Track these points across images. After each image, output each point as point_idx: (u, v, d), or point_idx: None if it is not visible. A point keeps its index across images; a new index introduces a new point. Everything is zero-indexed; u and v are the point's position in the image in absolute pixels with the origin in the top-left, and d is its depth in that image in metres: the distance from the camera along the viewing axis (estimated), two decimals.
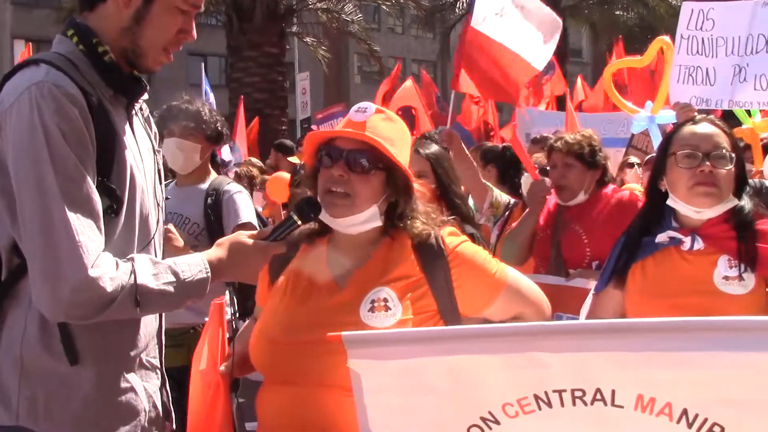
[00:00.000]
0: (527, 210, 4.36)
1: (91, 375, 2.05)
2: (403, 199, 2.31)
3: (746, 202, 2.77)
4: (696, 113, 4.37)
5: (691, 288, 2.69)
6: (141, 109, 2.31)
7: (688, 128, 2.82)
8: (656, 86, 7.73)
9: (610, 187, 4.26)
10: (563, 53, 25.15)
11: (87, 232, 1.90)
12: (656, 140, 5.38)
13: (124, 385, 2.12)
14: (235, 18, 19.11)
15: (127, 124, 2.17)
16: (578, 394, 1.78)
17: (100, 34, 2.10)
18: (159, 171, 2.34)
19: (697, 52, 4.96)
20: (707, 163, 2.69)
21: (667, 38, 6.10)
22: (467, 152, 5.02)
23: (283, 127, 19.32)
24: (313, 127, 11.35)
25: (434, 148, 3.83)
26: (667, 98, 6.23)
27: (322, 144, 2.30)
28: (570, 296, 3.58)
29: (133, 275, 1.94)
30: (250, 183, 8.08)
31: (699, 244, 2.73)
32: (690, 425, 1.72)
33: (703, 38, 4.95)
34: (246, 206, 4.24)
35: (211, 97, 10.05)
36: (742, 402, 1.68)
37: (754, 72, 4.70)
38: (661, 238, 2.78)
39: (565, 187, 4.14)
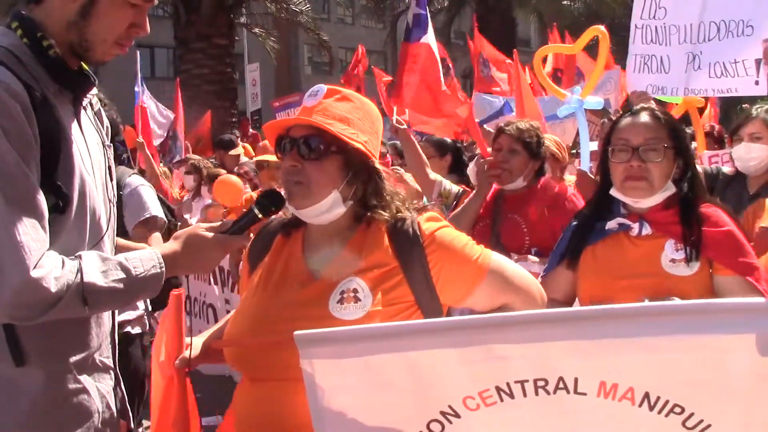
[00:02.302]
0: (474, 192, 4.43)
1: (40, 376, 1.99)
2: (364, 182, 2.22)
3: (687, 188, 2.87)
4: (653, 101, 4.46)
5: (640, 271, 2.80)
6: (90, 103, 2.25)
7: (625, 120, 2.93)
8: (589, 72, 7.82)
9: (546, 178, 4.38)
10: (512, 43, 25.42)
11: (29, 232, 1.84)
12: (582, 125, 5.43)
13: (75, 386, 2.06)
14: (183, 9, 18.85)
15: (75, 119, 2.11)
16: (541, 383, 1.78)
17: (46, 28, 2.04)
18: (110, 167, 2.28)
19: (651, 40, 5.01)
20: (637, 157, 2.80)
21: (602, 27, 6.16)
22: (416, 143, 5.04)
23: (233, 120, 19.13)
24: (277, 115, 11.18)
25: None
26: (595, 85, 6.30)
27: (281, 135, 2.25)
28: None
29: (79, 273, 1.89)
30: (207, 176, 7.95)
31: (647, 230, 2.85)
32: (652, 407, 1.75)
33: (656, 27, 4.99)
34: (151, 199, 4.01)
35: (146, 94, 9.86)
36: (699, 382, 1.72)
37: (708, 60, 4.76)
38: (611, 224, 2.90)
39: (507, 170, 4.22)
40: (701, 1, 4.82)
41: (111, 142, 2.34)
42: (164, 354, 2.32)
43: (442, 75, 5.54)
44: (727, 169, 4.47)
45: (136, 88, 9.62)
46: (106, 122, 2.36)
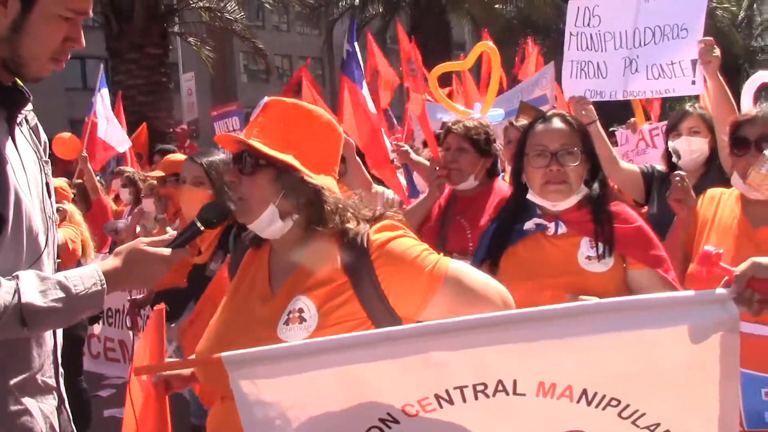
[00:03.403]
0: (425, 194, 4.43)
1: None
2: (296, 195, 2.17)
3: (597, 189, 3.00)
4: (590, 105, 4.56)
5: (558, 269, 2.92)
6: (26, 119, 2.20)
7: (540, 127, 3.04)
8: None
9: (499, 180, 4.37)
10: (447, 47, 25.65)
11: None
12: None
13: (17, 407, 2.02)
14: (114, 19, 18.48)
15: (9, 136, 2.06)
16: (480, 388, 1.80)
17: None
18: (47, 183, 2.22)
19: (587, 47, 5.11)
20: (555, 161, 2.93)
21: (490, 43, 6.27)
22: (356, 159, 5.02)
23: (170, 130, 18.82)
24: (216, 125, 11.03)
25: (214, 156, 4.14)
26: (493, 99, 6.42)
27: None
28: None
29: (17, 294, 1.87)
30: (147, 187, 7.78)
31: (562, 229, 2.98)
32: (589, 403, 1.81)
33: (591, 34, 5.10)
34: None
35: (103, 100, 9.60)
36: (633, 376, 1.79)
37: (645, 63, 4.87)
38: (529, 225, 3.02)
39: (456, 170, 4.22)
40: (635, 8, 4.95)
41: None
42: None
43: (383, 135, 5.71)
44: (660, 167, 4.60)
45: (93, 99, 9.39)
46: (44, 137, 2.31)
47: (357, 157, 5.05)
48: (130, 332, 6.82)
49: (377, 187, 5.09)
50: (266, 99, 2.26)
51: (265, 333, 2.09)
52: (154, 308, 2.30)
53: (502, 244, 3.05)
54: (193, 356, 2.31)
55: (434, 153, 4.92)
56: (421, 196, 4.70)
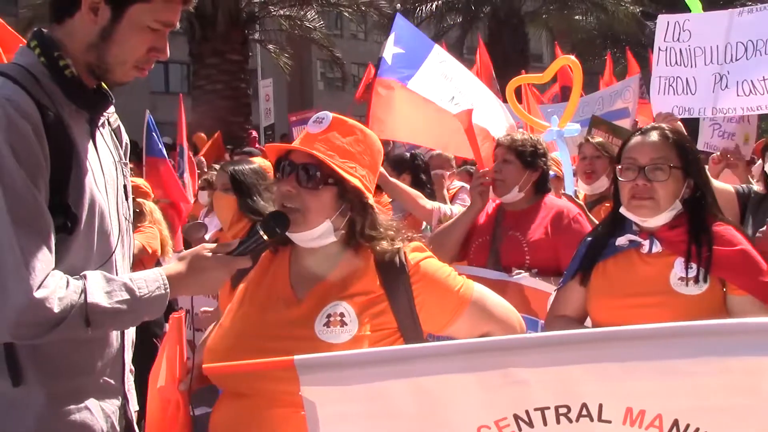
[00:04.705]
0: (468, 205, 4.37)
1: (41, 395, 1.99)
2: (359, 216, 2.27)
3: (699, 208, 2.87)
4: (678, 121, 4.44)
5: (648, 289, 2.80)
6: (108, 121, 2.26)
7: (635, 139, 2.95)
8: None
9: (550, 196, 4.27)
10: (524, 59, 25.44)
11: (34, 252, 1.86)
12: (563, 152, 5.44)
13: (78, 405, 2.06)
14: (197, 25, 18.96)
15: (90, 138, 2.12)
16: (563, 411, 1.71)
17: (65, 47, 2.05)
18: (125, 185, 2.28)
19: (676, 62, 5.00)
20: (643, 176, 2.81)
21: (572, 57, 6.14)
22: (392, 180, 4.93)
23: (247, 135, 19.18)
24: (294, 129, 11.14)
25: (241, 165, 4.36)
26: (573, 113, 6.29)
27: (281, 155, 2.29)
28: (511, 294, 3.43)
29: (83, 294, 1.90)
30: None
31: (657, 247, 2.85)
32: None
33: (680, 49, 5.00)
34: None
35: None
36: (728, 408, 1.66)
37: (736, 79, 4.75)
38: (621, 241, 2.90)
39: (499, 180, 4.16)
40: (727, 22, 4.83)
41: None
42: (165, 379, 2.28)
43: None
44: (757, 187, 4.42)
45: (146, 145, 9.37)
46: (125, 139, 2.36)
47: (394, 180, 4.98)
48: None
49: (433, 203, 4.99)
50: (329, 114, 2.30)
51: (300, 332, 2.15)
52: (171, 315, 2.29)
53: (594, 258, 2.97)
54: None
55: (479, 164, 4.88)
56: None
